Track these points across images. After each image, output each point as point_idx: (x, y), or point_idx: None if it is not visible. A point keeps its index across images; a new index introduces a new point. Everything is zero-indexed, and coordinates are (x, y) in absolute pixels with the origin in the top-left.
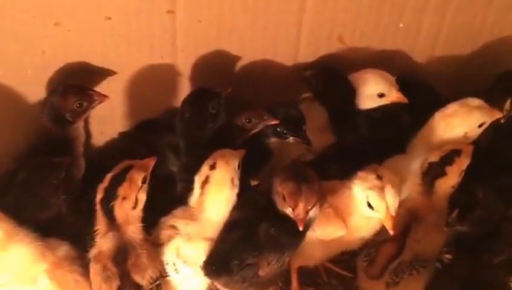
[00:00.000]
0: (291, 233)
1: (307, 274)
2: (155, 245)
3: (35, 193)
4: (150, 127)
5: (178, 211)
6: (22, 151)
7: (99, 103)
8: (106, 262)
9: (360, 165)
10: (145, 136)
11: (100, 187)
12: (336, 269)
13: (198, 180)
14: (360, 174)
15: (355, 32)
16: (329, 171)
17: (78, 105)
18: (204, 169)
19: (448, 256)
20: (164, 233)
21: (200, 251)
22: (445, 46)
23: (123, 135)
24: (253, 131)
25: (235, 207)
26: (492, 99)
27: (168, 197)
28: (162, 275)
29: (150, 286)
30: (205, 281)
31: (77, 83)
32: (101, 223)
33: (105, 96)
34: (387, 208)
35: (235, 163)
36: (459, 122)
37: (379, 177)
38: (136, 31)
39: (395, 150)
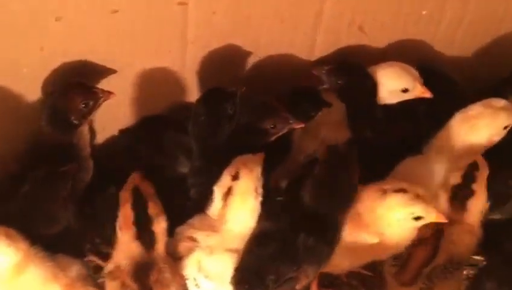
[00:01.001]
0: (329, 240)
1: (325, 275)
2: (175, 259)
3: (43, 208)
4: (154, 124)
5: (195, 221)
6: (22, 152)
7: (104, 100)
8: (125, 278)
9: (378, 163)
10: (149, 134)
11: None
12: (356, 269)
13: (219, 191)
14: (389, 197)
15: (375, 21)
16: None
17: (84, 105)
18: (226, 179)
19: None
20: (183, 245)
21: (223, 264)
22: (466, 34)
23: (124, 133)
24: (277, 135)
25: (261, 216)
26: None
27: (179, 202)
28: None
29: None
30: None
31: (79, 80)
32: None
33: (110, 93)
34: (434, 209)
35: (259, 170)
36: (485, 125)
37: (403, 190)
38: (144, 25)
39: (414, 147)
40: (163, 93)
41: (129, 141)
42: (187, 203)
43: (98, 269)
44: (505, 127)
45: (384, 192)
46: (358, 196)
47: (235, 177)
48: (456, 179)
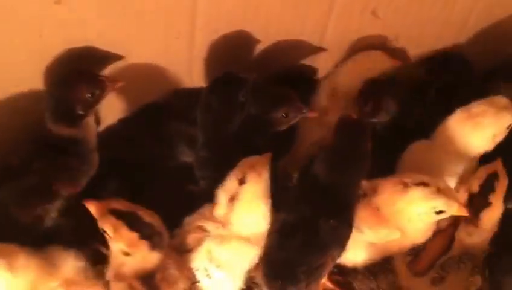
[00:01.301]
0: (347, 219)
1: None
2: (182, 251)
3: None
4: (154, 112)
5: (206, 211)
6: (21, 143)
7: (112, 89)
8: (131, 280)
9: (387, 153)
10: (150, 123)
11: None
12: None
13: (223, 195)
14: (411, 191)
15: (390, 5)
16: None
17: (90, 95)
18: (232, 183)
19: None
20: (193, 237)
21: (234, 253)
22: (479, 19)
23: (124, 122)
24: (289, 124)
25: (278, 209)
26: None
27: (180, 191)
28: (193, 282)
29: None
30: (239, 284)
31: (83, 68)
32: None
33: (117, 80)
34: (457, 202)
35: (267, 173)
36: (489, 124)
37: (424, 184)
38: (151, 9)
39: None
40: (170, 80)
41: (129, 130)
42: (190, 192)
43: (101, 255)
44: (508, 126)
45: (405, 185)
46: (375, 186)
47: (242, 182)
48: (473, 187)
